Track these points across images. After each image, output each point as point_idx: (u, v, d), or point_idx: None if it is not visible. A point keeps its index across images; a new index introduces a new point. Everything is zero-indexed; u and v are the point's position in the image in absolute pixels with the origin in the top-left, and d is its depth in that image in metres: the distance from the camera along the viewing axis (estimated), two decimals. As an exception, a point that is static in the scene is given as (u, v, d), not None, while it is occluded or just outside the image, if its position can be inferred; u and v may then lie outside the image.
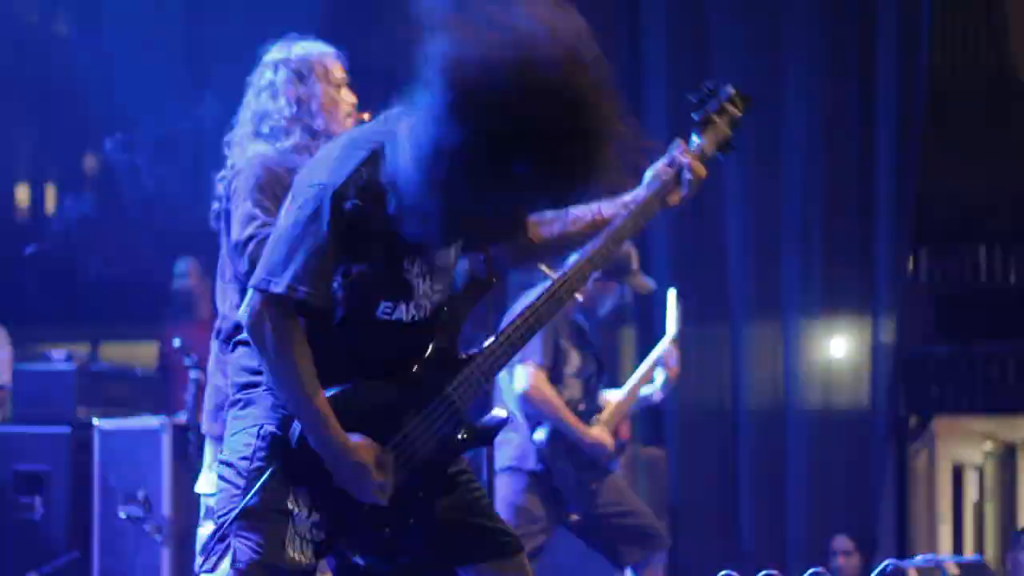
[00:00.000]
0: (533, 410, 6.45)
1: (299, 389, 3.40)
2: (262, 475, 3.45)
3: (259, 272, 3.41)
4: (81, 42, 10.41)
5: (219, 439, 4.75)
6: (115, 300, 10.45)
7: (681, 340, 6.78)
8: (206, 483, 4.89)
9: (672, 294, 6.79)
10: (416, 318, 3.49)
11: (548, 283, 3.61)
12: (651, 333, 9.42)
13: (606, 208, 3.63)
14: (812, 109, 9.50)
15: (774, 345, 9.58)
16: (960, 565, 6.51)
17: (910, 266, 10.26)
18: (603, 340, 7.99)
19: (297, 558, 3.45)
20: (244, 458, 3.50)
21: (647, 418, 9.31)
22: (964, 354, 10.83)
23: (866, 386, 9.47)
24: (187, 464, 7.04)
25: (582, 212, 3.63)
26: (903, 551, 9.42)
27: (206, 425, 4.87)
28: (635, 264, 6.69)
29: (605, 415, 6.62)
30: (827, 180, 9.48)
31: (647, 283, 6.77)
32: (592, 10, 3.17)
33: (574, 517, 6.49)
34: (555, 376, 6.52)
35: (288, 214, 3.41)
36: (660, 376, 6.75)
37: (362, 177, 3.33)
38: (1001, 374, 11.09)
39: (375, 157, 3.34)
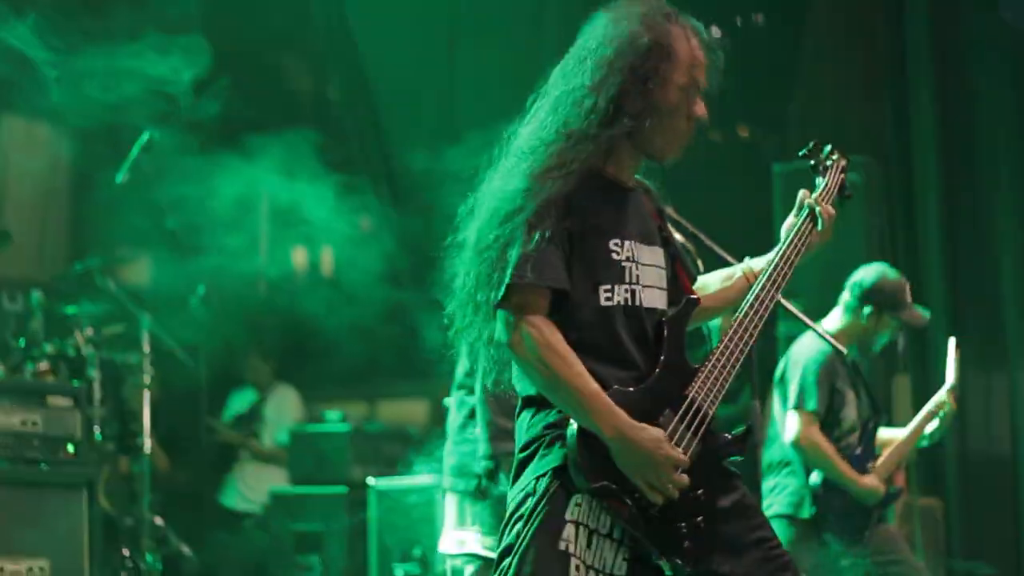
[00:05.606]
0: (805, 457, 6.44)
1: (574, 377, 3.39)
2: (529, 528, 3.42)
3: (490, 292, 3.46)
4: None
5: (463, 494, 4.81)
6: (390, 359, 10.60)
7: (960, 388, 6.74)
8: (450, 542, 4.92)
9: (952, 343, 6.78)
10: (632, 302, 3.54)
11: (747, 301, 3.70)
12: (926, 382, 9.29)
13: (755, 264, 3.89)
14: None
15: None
16: None
17: None
18: (879, 387, 7.91)
19: None
20: (516, 516, 3.48)
21: (925, 467, 9.16)
22: None
23: None
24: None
25: (733, 270, 3.93)
26: None
27: (448, 480, 4.90)
28: (908, 296, 6.63)
29: (880, 461, 6.56)
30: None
31: (920, 314, 6.73)
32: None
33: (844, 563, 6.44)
34: (831, 421, 6.50)
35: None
36: (935, 424, 6.67)
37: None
38: None
39: None
